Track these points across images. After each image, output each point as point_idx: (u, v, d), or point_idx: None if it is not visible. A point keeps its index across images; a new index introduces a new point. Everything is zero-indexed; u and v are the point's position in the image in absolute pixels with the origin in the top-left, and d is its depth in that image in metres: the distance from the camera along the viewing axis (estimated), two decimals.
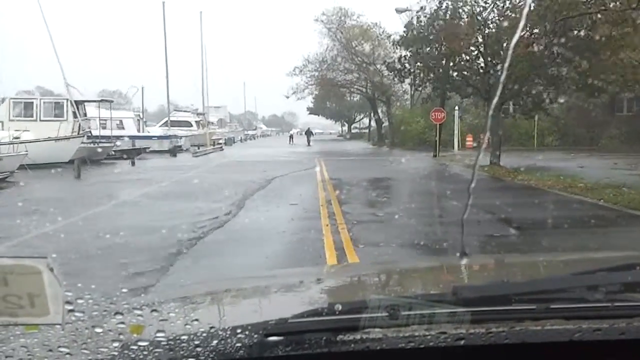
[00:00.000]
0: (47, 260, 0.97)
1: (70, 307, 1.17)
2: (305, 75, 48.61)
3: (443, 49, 20.15)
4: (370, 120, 67.66)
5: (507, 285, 1.41)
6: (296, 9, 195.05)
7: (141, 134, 37.13)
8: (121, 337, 1.19)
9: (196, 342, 1.11)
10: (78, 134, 26.28)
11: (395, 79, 28.62)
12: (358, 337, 1.11)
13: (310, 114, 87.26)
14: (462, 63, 21.63)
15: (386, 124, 53.44)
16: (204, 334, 1.14)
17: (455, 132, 31.41)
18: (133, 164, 24.68)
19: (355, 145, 51.17)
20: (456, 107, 31.56)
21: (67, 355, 1.13)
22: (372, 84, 46.83)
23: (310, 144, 51.84)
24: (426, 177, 19.38)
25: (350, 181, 17.21)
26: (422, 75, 24.15)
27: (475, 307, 1.15)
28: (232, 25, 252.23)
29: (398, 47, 25.53)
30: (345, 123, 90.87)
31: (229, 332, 1.13)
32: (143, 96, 39.86)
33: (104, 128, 36.80)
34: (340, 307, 1.16)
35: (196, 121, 54.54)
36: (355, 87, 51.51)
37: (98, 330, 1.25)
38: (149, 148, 32.32)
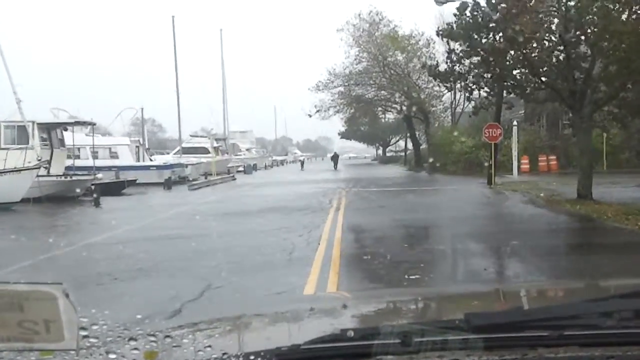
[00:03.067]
0: (63, 286, 0.98)
1: (84, 333, 1.18)
2: (331, 92, 42.74)
3: (510, 31, 13.91)
4: (406, 142, 61.51)
5: (519, 312, 1.40)
6: (322, 20, 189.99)
7: (138, 163, 31.77)
8: None
9: None
10: (35, 164, 20.85)
11: (440, 87, 22.39)
12: None
13: (341, 137, 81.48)
14: (536, 51, 15.28)
15: (424, 145, 47.11)
16: None
17: (514, 152, 24.85)
18: (97, 204, 19.03)
19: (389, 170, 44.75)
20: (514, 122, 25.05)
21: None
22: (407, 99, 40.51)
23: (337, 168, 49.78)
24: (502, 227, 12.09)
25: (377, 239, 10.57)
26: (476, 74, 17.89)
27: (487, 334, 1.15)
28: (255, 47, 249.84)
29: (443, 40, 19.29)
30: (379, 146, 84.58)
31: (241, 359, 1.14)
32: (143, 119, 34.60)
33: (95, 157, 31.97)
34: (352, 334, 1.17)
35: (214, 147, 49.53)
36: (389, 104, 45.28)
37: (112, 356, 1.24)
38: (136, 180, 26.86)
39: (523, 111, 35.04)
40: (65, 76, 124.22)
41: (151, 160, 37.09)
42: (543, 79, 15.67)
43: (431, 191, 21.71)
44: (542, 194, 18.32)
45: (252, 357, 1.13)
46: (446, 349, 1.11)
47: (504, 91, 20.80)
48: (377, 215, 13.74)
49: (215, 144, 50.07)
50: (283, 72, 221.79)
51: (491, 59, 16.65)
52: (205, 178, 33.64)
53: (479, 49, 17.66)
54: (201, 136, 52.85)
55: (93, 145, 26.07)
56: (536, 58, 15.41)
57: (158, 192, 25.80)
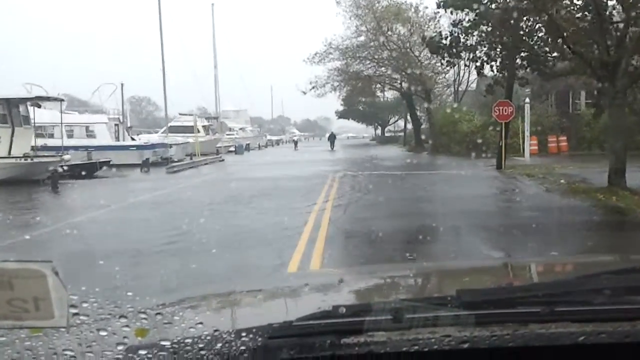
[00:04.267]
0: (52, 263, 0.97)
1: (75, 311, 1.18)
2: (327, 67, 40.04)
3: None
4: (405, 122, 59.05)
5: (511, 288, 1.43)
6: None
7: (116, 143, 29.34)
8: (126, 340, 1.17)
9: (200, 345, 1.11)
10: None
11: (442, 62, 19.88)
12: (362, 340, 1.11)
13: (339, 117, 78.80)
14: (563, 11, 12.84)
15: (425, 125, 44.61)
16: (208, 337, 1.13)
17: (526, 132, 22.44)
18: (55, 189, 16.68)
19: (387, 151, 42.31)
20: (527, 99, 22.59)
21: (72, 359, 1.13)
22: (407, 76, 37.87)
23: (334, 148, 48.02)
24: (529, 227, 8.68)
25: (372, 240, 8.21)
26: (489, 44, 15.49)
27: (479, 310, 1.15)
28: (251, 24, 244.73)
29: (446, 11, 16.74)
30: (378, 126, 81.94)
31: (233, 335, 1.13)
32: (122, 96, 32.07)
33: (70, 137, 29.54)
34: (344, 310, 1.17)
35: (204, 126, 47.13)
36: (388, 81, 42.61)
37: (103, 333, 1.23)
38: (110, 161, 24.47)
39: (529, 89, 32.59)
40: (63, 53, 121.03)
41: (133, 139, 34.72)
42: (570, 46, 13.18)
43: (435, 177, 19.36)
44: (562, 180, 16.01)
45: (243, 334, 1.12)
46: (437, 325, 1.12)
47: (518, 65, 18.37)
48: (371, 211, 11.28)
49: (205, 123, 47.67)
50: (281, 50, 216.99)
51: (503, 29, 14.25)
52: (191, 159, 31.31)
53: (488, 17, 15.32)
54: (190, 114, 50.37)
55: (62, 123, 23.58)
56: (563, 20, 12.95)
57: (133, 175, 23.48)
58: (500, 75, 18.25)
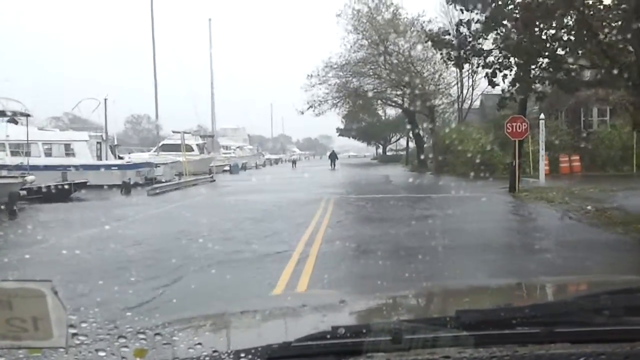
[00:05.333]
0: (51, 283, 0.96)
1: (74, 331, 1.17)
2: (326, 84, 38.18)
3: None
4: (407, 140, 57.19)
5: (510, 309, 1.39)
6: (320, 14, 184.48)
7: (97, 162, 27.35)
8: None
9: None
10: None
11: (447, 61, 17.89)
12: None
13: (339, 135, 77.06)
14: (597, 7, 10.89)
15: (428, 144, 42.64)
16: (207, 358, 1.14)
17: (541, 152, 20.37)
18: (12, 215, 14.63)
19: (389, 171, 40.24)
20: (541, 115, 20.57)
21: None
22: (409, 91, 35.95)
23: (335, 167, 46.99)
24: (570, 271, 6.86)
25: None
26: (505, 49, 13.60)
27: (478, 331, 1.15)
28: (249, 41, 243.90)
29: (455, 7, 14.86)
30: (379, 145, 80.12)
31: (232, 356, 1.13)
32: (106, 111, 30.15)
33: (49, 155, 27.62)
34: (343, 331, 1.16)
35: (198, 144, 45.45)
36: (389, 97, 40.70)
37: (101, 354, 1.23)
38: (87, 182, 22.51)
39: (537, 106, 30.66)
40: (66, 72, 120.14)
41: (120, 158, 32.77)
42: (604, 48, 11.19)
43: (444, 202, 17.25)
44: (588, 207, 13.94)
45: (242, 355, 1.12)
46: (437, 345, 1.11)
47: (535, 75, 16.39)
48: (369, 254, 9.12)
49: (199, 141, 45.83)
50: (282, 68, 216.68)
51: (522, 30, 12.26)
52: (180, 178, 29.32)
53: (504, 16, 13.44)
54: (184, 132, 48.54)
55: (27, 140, 21.69)
56: (595, 19, 11.00)
57: (111, 198, 21.42)
58: (513, 88, 16.27)
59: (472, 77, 35.68)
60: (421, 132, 43.89)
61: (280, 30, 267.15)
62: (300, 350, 1.12)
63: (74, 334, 1.17)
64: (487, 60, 15.69)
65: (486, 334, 1.14)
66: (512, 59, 14.96)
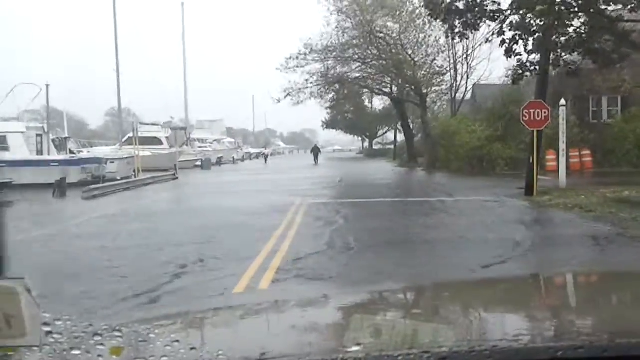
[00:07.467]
0: (25, 281, 0.95)
1: (48, 329, 1.15)
2: (305, 70, 34.22)
3: None
4: (395, 133, 53.60)
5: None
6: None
7: (33, 158, 23.31)
8: (100, 358, 1.15)
9: None
10: None
11: (449, 33, 14.13)
12: None
13: (325, 128, 73.15)
14: None
15: (419, 137, 38.99)
16: (185, 356, 1.14)
17: (561, 145, 16.69)
18: None
19: (376, 167, 36.49)
20: (561, 100, 16.86)
21: None
22: (399, 77, 32.15)
23: (318, 162, 44.47)
24: None
25: None
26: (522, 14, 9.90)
27: None
28: (229, 31, 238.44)
29: None
30: (365, 138, 76.43)
31: (210, 354, 1.13)
32: (48, 100, 26.00)
33: None
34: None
35: (167, 137, 41.68)
36: (377, 84, 36.86)
37: (76, 352, 1.20)
38: (11, 181, 18.46)
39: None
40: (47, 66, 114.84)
41: (73, 153, 28.72)
42: None
43: (447, 210, 13.51)
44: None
45: (221, 352, 1.12)
46: None
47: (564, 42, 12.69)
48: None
49: (167, 134, 41.92)
50: (266, 64, 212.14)
51: None
52: (135, 177, 25.35)
53: None
54: (152, 124, 44.43)
55: None
56: None
57: (39, 201, 17.45)
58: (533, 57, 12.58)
59: (468, 61, 32.11)
60: (411, 125, 40.26)
61: (263, 18, 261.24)
62: None
63: (48, 332, 1.13)
64: (504, 26, 12.05)
65: None
66: (535, 21, 11.34)
